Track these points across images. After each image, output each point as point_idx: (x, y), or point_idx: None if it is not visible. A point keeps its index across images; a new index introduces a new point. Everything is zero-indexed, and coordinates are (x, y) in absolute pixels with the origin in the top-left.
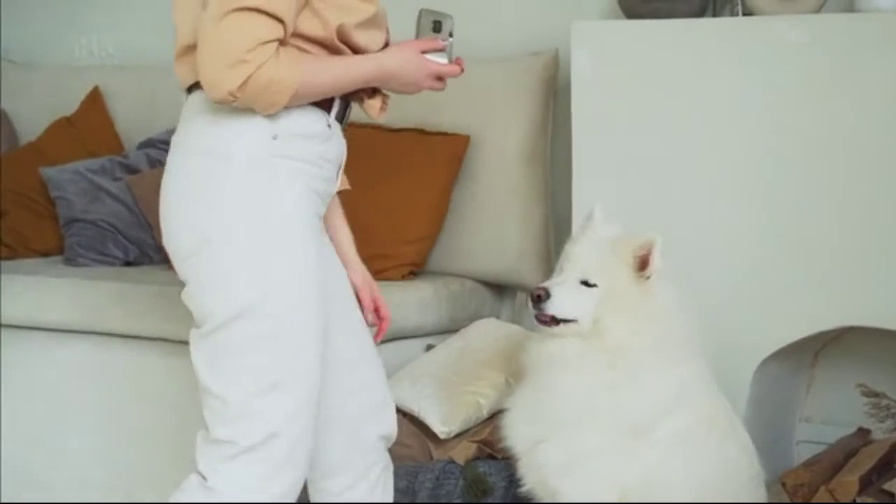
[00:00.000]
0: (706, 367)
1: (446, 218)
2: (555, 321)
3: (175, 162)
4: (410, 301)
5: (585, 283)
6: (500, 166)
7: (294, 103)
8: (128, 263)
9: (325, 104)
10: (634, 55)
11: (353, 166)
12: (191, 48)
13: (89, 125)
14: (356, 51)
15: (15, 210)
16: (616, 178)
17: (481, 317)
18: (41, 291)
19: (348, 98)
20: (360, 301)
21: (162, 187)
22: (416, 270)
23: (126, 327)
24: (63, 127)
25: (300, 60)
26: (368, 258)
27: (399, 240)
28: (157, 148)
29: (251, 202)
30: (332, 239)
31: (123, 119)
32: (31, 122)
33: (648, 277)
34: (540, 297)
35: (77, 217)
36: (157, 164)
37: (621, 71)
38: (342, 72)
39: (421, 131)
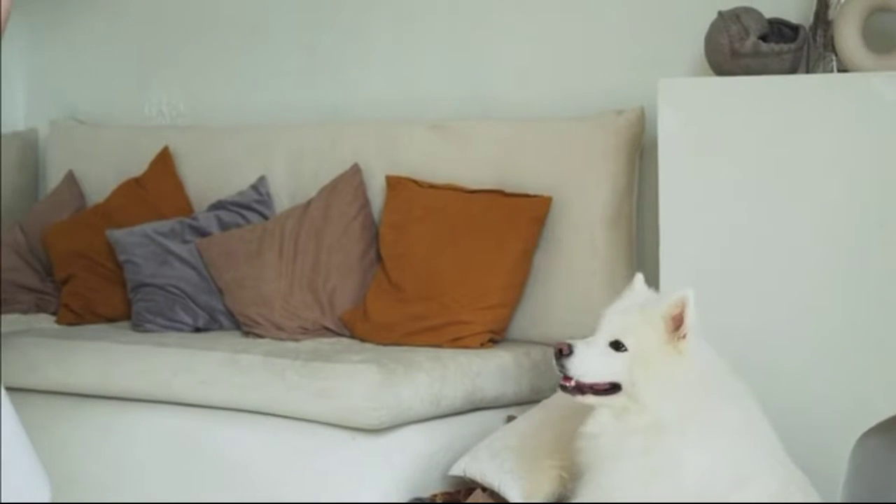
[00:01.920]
0: (769, 435)
1: (527, 283)
2: (579, 389)
3: None
4: (490, 370)
5: (615, 346)
6: (583, 229)
7: None
8: (197, 329)
9: None
10: (724, 113)
11: (429, 228)
12: None
13: (158, 186)
14: None
15: (81, 274)
16: (705, 242)
17: None
18: (107, 358)
19: None
20: None
21: None
22: (495, 338)
23: (194, 396)
24: (131, 188)
25: None
26: (445, 325)
27: (478, 306)
28: (228, 210)
29: None
30: None
31: (193, 180)
32: (99, 183)
33: (683, 337)
34: (562, 352)
35: (145, 281)
36: (228, 227)
37: (710, 130)
38: None
39: (501, 192)
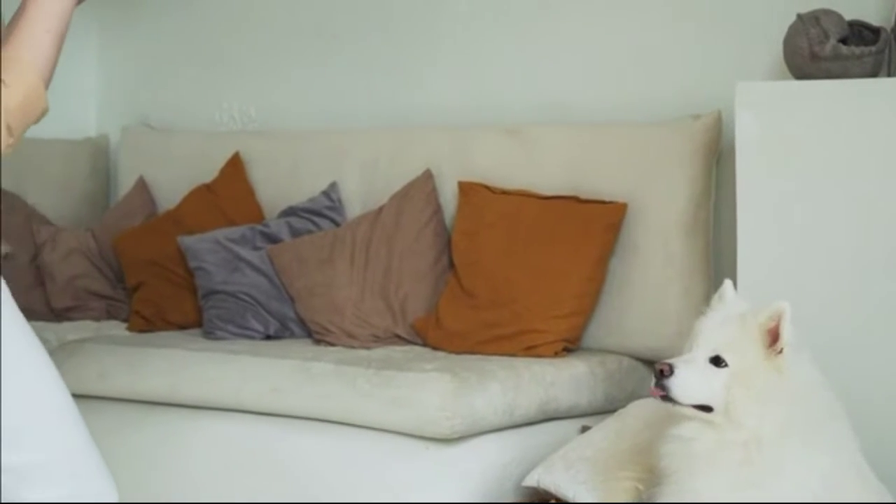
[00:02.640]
0: (860, 455)
1: (602, 291)
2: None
3: None
4: (564, 379)
5: (715, 362)
6: (659, 236)
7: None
8: (268, 337)
9: None
10: (804, 117)
11: (502, 235)
12: None
13: (229, 192)
14: None
15: (152, 281)
16: (784, 249)
17: (640, 397)
18: (177, 366)
19: None
20: None
21: None
22: (569, 347)
23: (264, 404)
24: (202, 194)
25: (13, 55)
26: (519, 333)
27: (551, 314)
28: (299, 216)
29: None
30: None
31: (264, 186)
32: (171, 190)
33: (780, 352)
34: (663, 373)
35: (216, 288)
36: (299, 234)
37: (789, 134)
38: (48, 21)
39: (575, 198)
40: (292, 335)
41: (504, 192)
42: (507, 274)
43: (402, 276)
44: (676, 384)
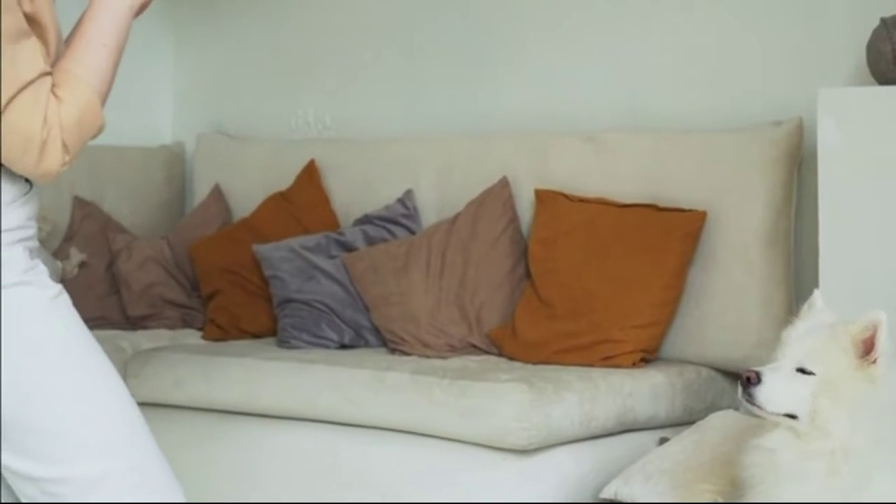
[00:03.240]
0: None
1: (680, 300)
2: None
3: None
4: (642, 390)
5: (801, 371)
6: (738, 245)
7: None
8: (343, 346)
9: None
10: (887, 124)
11: (579, 243)
12: None
13: (304, 200)
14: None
15: (228, 289)
16: (867, 258)
17: (719, 408)
18: (253, 375)
19: None
20: None
21: None
22: (648, 357)
23: (339, 414)
24: (277, 202)
25: (70, 71)
26: (596, 343)
27: (629, 324)
28: (375, 224)
29: None
30: None
31: (339, 194)
32: (245, 198)
33: (874, 362)
34: (750, 381)
35: (291, 297)
36: (375, 242)
37: (873, 142)
38: (105, 36)
39: (653, 206)
40: (367, 344)
41: (581, 200)
42: (584, 283)
43: (477, 284)
44: (763, 392)
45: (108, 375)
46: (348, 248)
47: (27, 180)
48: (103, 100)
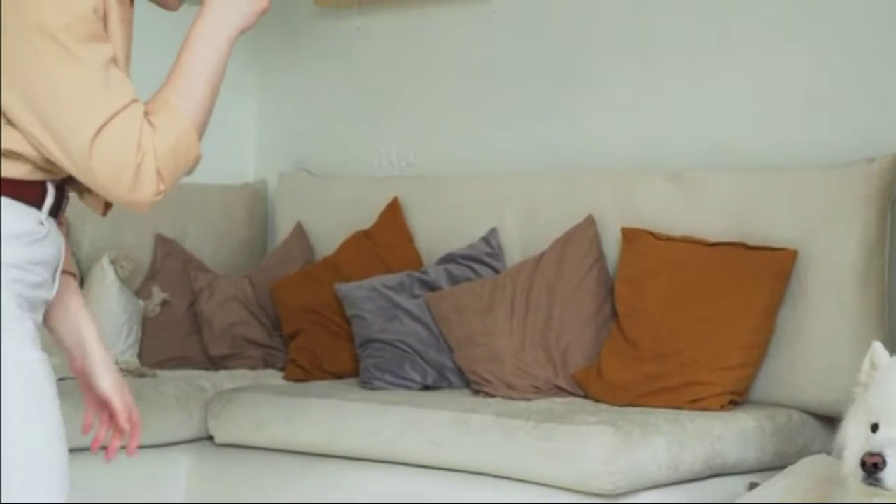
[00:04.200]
0: None
1: (771, 342)
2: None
3: None
4: (731, 433)
5: None
6: (830, 284)
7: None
8: (426, 387)
9: (35, 197)
10: None
11: (667, 283)
12: None
13: (387, 239)
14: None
15: (309, 329)
16: None
17: (811, 453)
18: (335, 416)
19: (64, 188)
20: (112, 407)
21: None
22: (737, 399)
23: (422, 457)
24: (360, 240)
25: (166, 99)
26: (684, 385)
27: (718, 365)
28: (459, 263)
29: None
30: (74, 331)
31: (423, 232)
32: (328, 236)
33: None
34: (877, 466)
35: (373, 337)
36: (458, 281)
37: None
38: (202, 66)
39: (742, 245)
40: (450, 385)
41: (669, 239)
42: (671, 324)
43: (563, 325)
44: (891, 475)
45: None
46: (432, 287)
47: (42, 223)
48: (200, 130)
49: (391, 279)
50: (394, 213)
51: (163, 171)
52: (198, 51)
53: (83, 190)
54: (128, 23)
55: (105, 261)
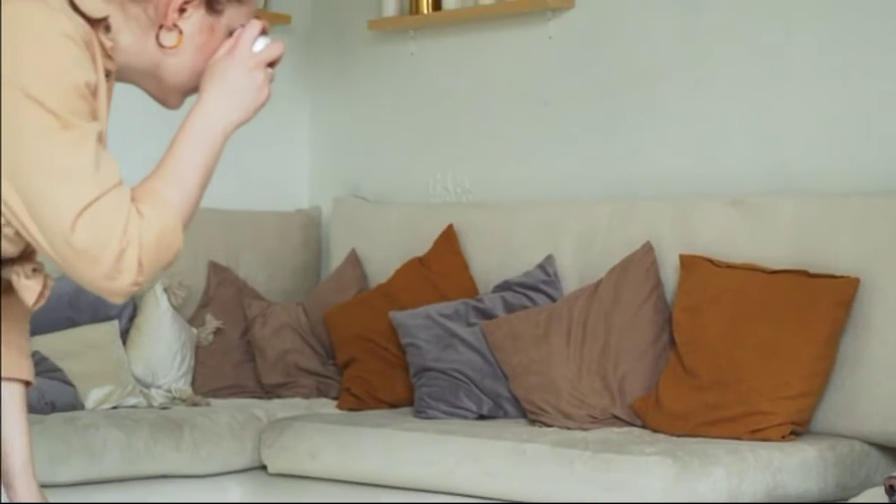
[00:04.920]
0: None
1: (833, 371)
2: None
3: None
4: (792, 465)
5: None
6: (894, 312)
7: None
8: (481, 417)
9: None
10: None
11: (726, 311)
12: None
13: (442, 266)
14: None
15: (363, 357)
16: None
17: (874, 484)
18: (389, 446)
19: None
20: None
21: None
22: (798, 430)
23: (478, 487)
24: (415, 268)
25: (155, 189)
26: (744, 415)
27: (779, 395)
28: (514, 291)
29: None
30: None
31: (478, 259)
32: (382, 263)
33: None
34: (893, 488)
35: (428, 365)
36: (514, 309)
37: None
38: (195, 157)
39: (804, 273)
40: (506, 415)
41: (728, 266)
42: (731, 352)
43: (620, 353)
44: None
45: None
46: (487, 315)
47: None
48: (186, 223)
49: (446, 307)
50: (449, 240)
51: (144, 262)
52: (192, 142)
53: (20, 275)
54: (109, 100)
55: (158, 289)
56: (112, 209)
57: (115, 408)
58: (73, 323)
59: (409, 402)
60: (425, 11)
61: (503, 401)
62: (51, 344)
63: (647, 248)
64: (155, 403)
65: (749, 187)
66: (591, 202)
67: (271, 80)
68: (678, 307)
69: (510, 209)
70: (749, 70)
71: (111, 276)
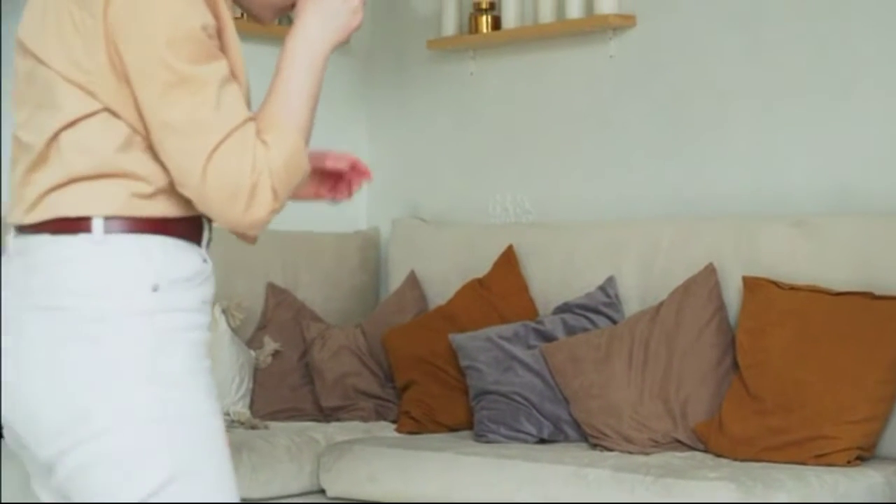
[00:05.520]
0: None
1: None
2: None
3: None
4: (858, 490)
5: None
6: None
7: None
8: (541, 440)
9: (195, 233)
10: None
11: (790, 333)
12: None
13: (502, 288)
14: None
15: (423, 380)
16: None
17: None
18: (449, 470)
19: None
20: (344, 177)
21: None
22: (864, 455)
23: None
24: (474, 289)
25: (273, 115)
26: (808, 440)
27: (844, 419)
28: (575, 313)
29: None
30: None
31: (538, 281)
32: (442, 284)
33: None
34: None
35: (488, 388)
36: (575, 331)
37: None
38: (302, 82)
39: (869, 295)
40: (567, 439)
41: (792, 288)
42: (795, 376)
43: (682, 376)
44: None
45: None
46: (547, 337)
47: (205, 260)
48: (306, 143)
49: (506, 329)
50: (509, 261)
51: (277, 188)
52: (298, 66)
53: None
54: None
55: (216, 310)
56: (237, 148)
57: None
58: None
59: (469, 426)
60: (484, 31)
61: (564, 424)
62: None
63: (710, 270)
64: None
65: (812, 207)
66: (653, 223)
67: (364, 3)
68: (741, 329)
69: (570, 230)
70: (811, 89)
71: (248, 211)
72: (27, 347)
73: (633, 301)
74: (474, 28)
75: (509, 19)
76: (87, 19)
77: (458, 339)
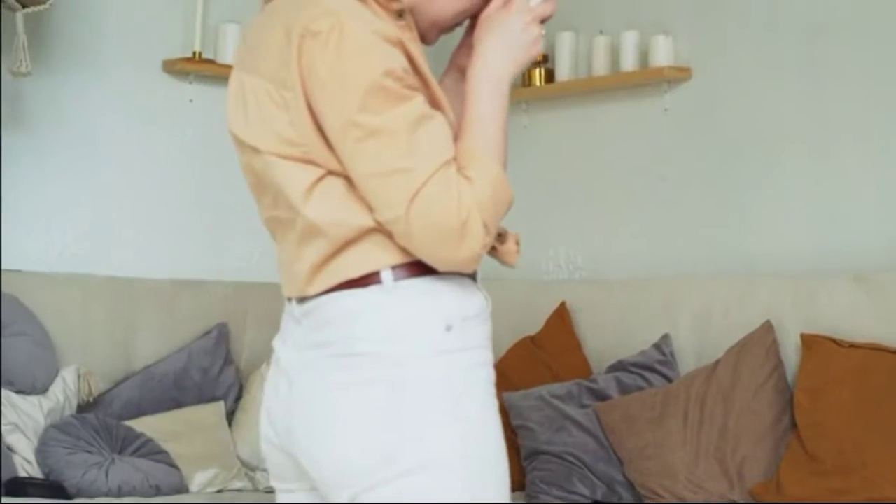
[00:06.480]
0: None
1: None
2: None
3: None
4: None
5: None
6: None
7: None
8: (595, 502)
9: (471, 272)
10: None
11: (850, 393)
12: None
13: (555, 345)
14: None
15: None
16: None
17: None
18: None
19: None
20: None
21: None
22: None
23: None
24: (527, 347)
25: (470, 149)
26: (868, 501)
27: None
28: (629, 371)
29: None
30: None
31: (592, 338)
32: (494, 341)
33: None
34: None
35: (540, 448)
36: (629, 390)
37: None
38: (492, 109)
39: None
40: (620, 500)
41: (852, 346)
42: (856, 436)
43: (739, 437)
44: None
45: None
46: (601, 396)
47: (485, 297)
48: (504, 169)
49: (559, 388)
50: (562, 318)
51: (487, 222)
52: (484, 95)
53: (494, 248)
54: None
55: (265, 369)
56: (440, 188)
57: (220, 491)
58: (178, 404)
59: (521, 487)
60: (538, 83)
61: (617, 485)
62: (156, 425)
63: (767, 327)
64: (261, 487)
65: (873, 262)
66: (709, 279)
67: (542, 35)
68: (800, 388)
69: (624, 286)
70: (870, 140)
71: (460, 248)
72: (322, 395)
73: (688, 359)
74: (528, 81)
75: (563, 72)
76: (285, 94)
77: (510, 397)
